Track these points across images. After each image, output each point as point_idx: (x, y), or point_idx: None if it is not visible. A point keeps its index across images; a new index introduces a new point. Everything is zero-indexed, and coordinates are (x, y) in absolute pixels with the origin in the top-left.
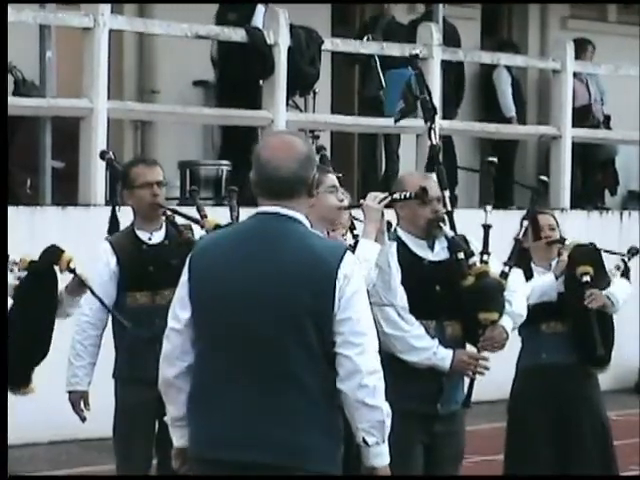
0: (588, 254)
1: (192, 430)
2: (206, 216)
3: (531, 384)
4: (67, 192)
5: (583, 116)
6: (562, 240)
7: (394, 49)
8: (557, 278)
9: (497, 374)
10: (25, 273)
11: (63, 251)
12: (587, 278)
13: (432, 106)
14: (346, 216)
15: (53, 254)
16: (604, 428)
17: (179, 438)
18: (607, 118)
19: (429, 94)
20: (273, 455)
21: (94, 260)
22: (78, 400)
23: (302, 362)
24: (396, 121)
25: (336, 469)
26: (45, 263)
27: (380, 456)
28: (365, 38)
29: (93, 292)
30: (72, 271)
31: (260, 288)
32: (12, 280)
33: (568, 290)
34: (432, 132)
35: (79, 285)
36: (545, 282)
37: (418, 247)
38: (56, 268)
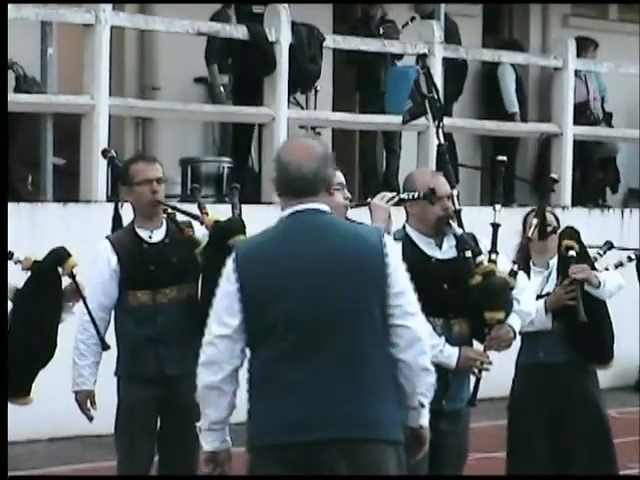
0: (572, 233)
1: (260, 420)
2: (207, 213)
3: (529, 382)
4: (68, 188)
5: (581, 113)
6: (555, 229)
7: (395, 46)
8: (547, 312)
9: (497, 371)
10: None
11: (70, 255)
12: (572, 252)
13: (440, 105)
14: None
15: (59, 256)
16: (603, 426)
17: (212, 442)
18: (609, 116)
19: (437, 93)
20: (352, 430)
21: (94, 258)
22: (85, 400)
23: (370, 338)
24: (405, 122)
25: (402, 435)
26: (50, 264)
27: (426, 415)
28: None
29: (85, 303)
30: (73, 277)
31: (321, 275)
32: (13, 282)
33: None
34: (440, 131)
35: (74, 292)
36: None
37: (426, 245)
38: (60, 270)
